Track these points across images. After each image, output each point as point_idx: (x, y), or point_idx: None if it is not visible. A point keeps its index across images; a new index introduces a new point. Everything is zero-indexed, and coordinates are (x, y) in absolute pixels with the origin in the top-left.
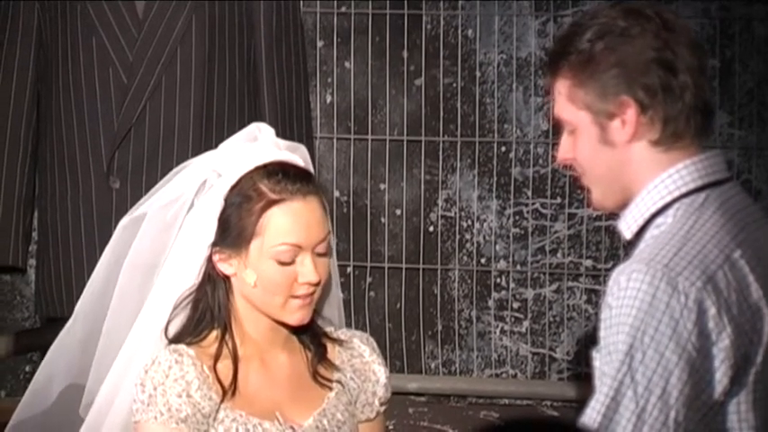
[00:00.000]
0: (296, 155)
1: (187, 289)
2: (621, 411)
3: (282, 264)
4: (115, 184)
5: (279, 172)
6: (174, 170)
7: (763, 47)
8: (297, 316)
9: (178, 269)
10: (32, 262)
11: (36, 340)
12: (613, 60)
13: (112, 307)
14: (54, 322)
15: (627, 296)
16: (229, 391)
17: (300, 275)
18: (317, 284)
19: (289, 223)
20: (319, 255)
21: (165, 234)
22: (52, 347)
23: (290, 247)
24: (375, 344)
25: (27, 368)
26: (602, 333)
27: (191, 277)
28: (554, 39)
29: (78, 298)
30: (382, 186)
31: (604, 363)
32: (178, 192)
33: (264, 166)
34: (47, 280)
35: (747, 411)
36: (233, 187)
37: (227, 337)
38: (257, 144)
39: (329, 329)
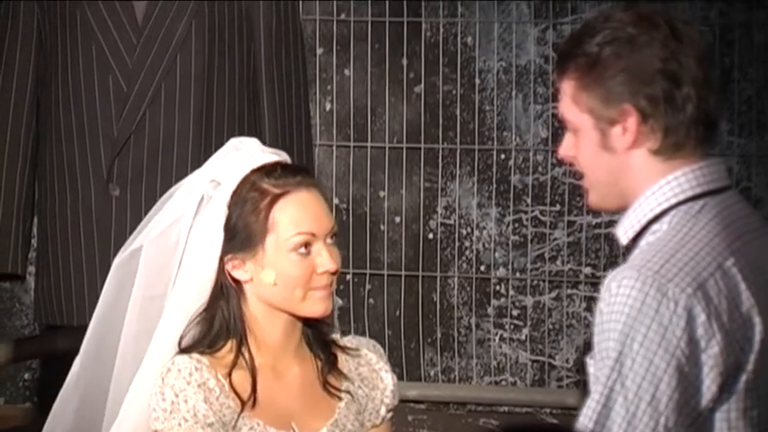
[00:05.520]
0: (281, 158)
1: (200, 306)
2: (613, 417)
3: (301, 255)
4: (115, 191)
5: (277, 168)
6: (166, 195)
7: (763, 54)
8: (319, 308)
9: (190, 289)
10: (32, 269)
11: (35, 348)
12: (619, 67)
13: (123, 346)
14: (53, 330)
15: (617, 302)
16: (249, 401)
17: (319, 266)
18: (334, 273)
19: (299, 213)
20: (331, 244)
21: (169, 259)
22: (59, 397)
23: (305, 236)
24: (382, 350)
25: (26, 375)
26: (595, 339)
27: (203, 295)
28: (562, 40)
29: (77, 305)
30: (381, 194)
31: (597, 369)
32: (177, 213)
33: (260, 168)
34: (46, 287)
35: (737, 420)
36: (233, 193)
37: (243, 348)
38: (244, 151)
39: (336, 336)
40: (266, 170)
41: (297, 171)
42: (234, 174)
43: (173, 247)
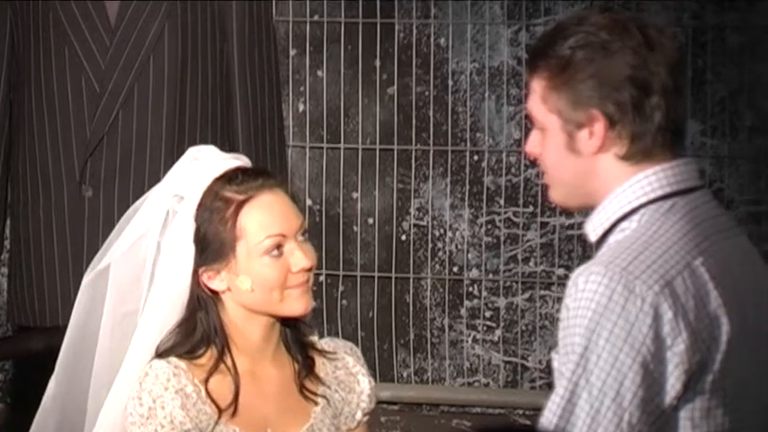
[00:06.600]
0: (241, 162)
1: (176, 322)
2: (577, 413)
3: (274, 257)
4: (88, 192)
5: (238, 175)
6: (130, 211)
7: (736, 56)
8: (300, 306)
9: (163, 305)
10: (4, 270)
11: (8, 348)
12: (590, 72)
13: (97, 363)
14: (26, 331)
15: (584, 298)
16: (229, 409)
17: (293, 265)
18: (309, 269)
19: (266, 216)
20: (303, 241)
21: (139, 275)
22: (36, 418)
23: (275, 238)
24: (359, 353)
25: None
26: (560, 334)
27: (177, 309)
28: (537, 36)
29: (50, 307)
30: (354, 195)
31: (561, 363)
32: (142, 229)
33: (221, 176)
34: (19, 289)
35: (701, 419)
36: (198, 206)
37: (225, 357)
38: (203, 161)
39: (314, 339)
40: (228, 177)
41: (258, 174)
42: (196, 186)
43: (141, 264)
